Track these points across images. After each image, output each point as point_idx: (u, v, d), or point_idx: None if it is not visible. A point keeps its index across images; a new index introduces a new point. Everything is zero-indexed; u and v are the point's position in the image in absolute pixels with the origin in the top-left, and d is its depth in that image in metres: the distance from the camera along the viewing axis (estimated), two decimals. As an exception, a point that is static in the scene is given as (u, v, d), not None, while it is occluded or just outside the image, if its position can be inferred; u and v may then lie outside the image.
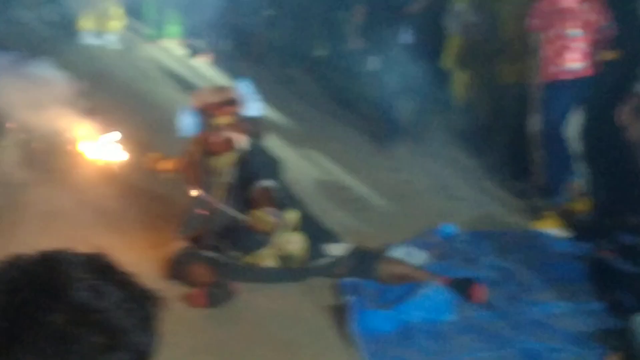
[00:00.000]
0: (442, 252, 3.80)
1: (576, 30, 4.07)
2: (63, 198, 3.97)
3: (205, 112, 3.47)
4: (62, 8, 7.03)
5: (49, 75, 3.59)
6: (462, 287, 3.35)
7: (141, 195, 4.23)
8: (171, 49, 7.19)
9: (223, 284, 3.33)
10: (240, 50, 7.08)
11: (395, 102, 5.30)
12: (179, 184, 3.82)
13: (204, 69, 6.77)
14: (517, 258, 3.65)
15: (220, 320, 3.23)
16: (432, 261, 3.70)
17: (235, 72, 4.12)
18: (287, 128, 5.69)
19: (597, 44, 4.09)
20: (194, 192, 3.57)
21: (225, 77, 6.15)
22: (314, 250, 3.51)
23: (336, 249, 3.54)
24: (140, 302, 0.82)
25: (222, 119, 3.44)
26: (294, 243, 3.49)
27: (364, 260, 3.49)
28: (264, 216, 3.28)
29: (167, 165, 3.75)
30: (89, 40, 6.90)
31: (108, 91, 5.32)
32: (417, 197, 4.68)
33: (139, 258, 3.34)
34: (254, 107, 3.60)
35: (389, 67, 5.07)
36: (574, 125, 4.33)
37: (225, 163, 3.53)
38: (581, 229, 3.95)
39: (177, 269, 3.45)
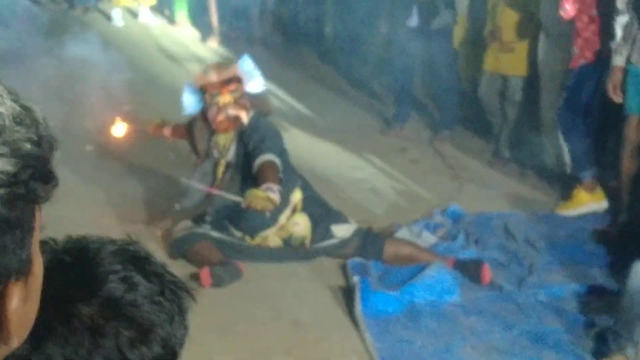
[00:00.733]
0: (449, 233, 3.80)
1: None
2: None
3: (208, 91, 3.47)
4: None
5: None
6: (469, 268, 3.36)
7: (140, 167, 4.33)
8: (182, 31, 7.32)
9: (229, 264, 3.35)
10: (248, 31, 7.09)
11: (405, 83, 5.26)
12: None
13: (214, 51, 6.80)
14: (524, 239, 3.64)
15: (227, 300, 3.26)
16: (438, 242, 3.70)
17: (241, 53, 4.12)
18: (293, 108, 5.69)
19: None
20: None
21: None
22: (321, 231, 3.52)
23: (343, 230, 3.55)
24: (172, 295, 0.80)
25: (225, 97, 3.43)
26: (299, 224, 3.50)
27: (370, 241, 3.49)
28: (260, 194, 3.23)
29: (167, 131, 3.82)
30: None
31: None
32: (424, 178, 4.66)
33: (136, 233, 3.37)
34: (256, 83, 3.58)
35: (400, 49, 5.04)
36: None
37: (229, 140, 3.54)
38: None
39: (181, 248, 3.48)
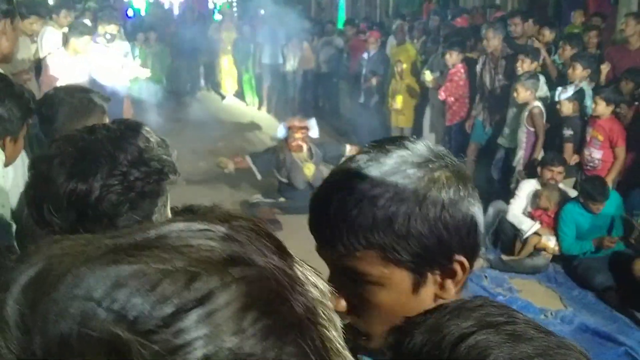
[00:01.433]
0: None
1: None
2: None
3: (291, 129, 6.44)
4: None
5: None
6: None
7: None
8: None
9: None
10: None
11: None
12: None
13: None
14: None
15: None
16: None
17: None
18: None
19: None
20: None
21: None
22: None
23: None
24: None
25: (298, 134, 6.40)
26: None
27: None
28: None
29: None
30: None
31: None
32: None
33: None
34: (314, 132, 6.63)
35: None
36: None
37: (297, 156, 6.48)
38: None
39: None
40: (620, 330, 4.34)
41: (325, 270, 0.83)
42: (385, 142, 0.91)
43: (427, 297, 0.91)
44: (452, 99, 7.01)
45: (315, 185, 6.21)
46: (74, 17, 8.09)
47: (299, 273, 0.49)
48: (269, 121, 10.42)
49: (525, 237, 5.40)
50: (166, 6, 18.42)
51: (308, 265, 0.53)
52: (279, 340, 0.43)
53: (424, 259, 0.88)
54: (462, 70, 6.94)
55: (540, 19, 7.82)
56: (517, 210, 5.48)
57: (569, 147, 5.65)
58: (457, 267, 0.90)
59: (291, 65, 10.60)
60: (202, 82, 13.42)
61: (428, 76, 7.16)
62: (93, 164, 1.15)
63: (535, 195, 5.40)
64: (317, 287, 0.51)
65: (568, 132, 5.67)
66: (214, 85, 13.13)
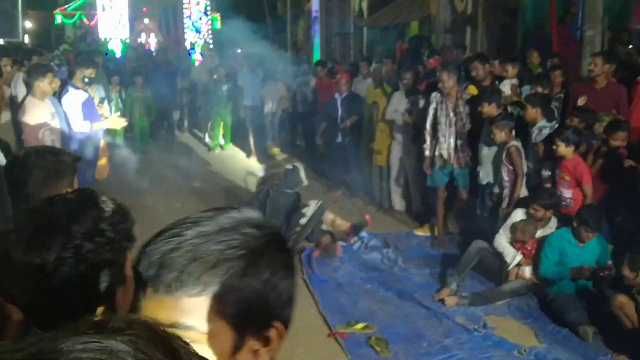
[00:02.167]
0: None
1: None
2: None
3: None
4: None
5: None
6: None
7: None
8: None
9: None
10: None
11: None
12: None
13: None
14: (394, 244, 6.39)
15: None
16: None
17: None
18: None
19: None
20: None
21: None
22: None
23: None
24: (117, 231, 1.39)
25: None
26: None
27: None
28: None
29: None
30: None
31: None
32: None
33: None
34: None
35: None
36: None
37: None
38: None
39: None
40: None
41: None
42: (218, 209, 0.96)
43: None
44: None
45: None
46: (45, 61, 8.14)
47: None
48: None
49: (509, 268, 5.57)
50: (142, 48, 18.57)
51: None
52: None
53: (249, 317, 0.90)
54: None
55: (506, 58, 8.07)
56: (504, 240, 5.67)
57: (547, 187, 5.82)
58: (274, 334, 0.93)
59: (270, 107, 10.73)
60: (186, 124, 13.33)
61: (407, 117, 7.31)
62: (48, 238, 1.20)
63: (513, 229, 5.58)
64: None
65: (546, 173, 5.85)
66: (197, 128, 13.11)
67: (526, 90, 7.07)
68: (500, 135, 5.99)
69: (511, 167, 5.98)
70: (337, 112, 8.46)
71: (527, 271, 5.53)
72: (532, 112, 6.07)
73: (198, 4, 20.90)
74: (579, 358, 4.53)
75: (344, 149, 8.42)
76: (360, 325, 4.94)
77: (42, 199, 1.31)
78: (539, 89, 6.56)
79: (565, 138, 5.50)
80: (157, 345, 0.53)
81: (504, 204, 6.04)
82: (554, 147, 5.54)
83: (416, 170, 7.28)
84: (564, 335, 4.88)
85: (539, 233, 5.59)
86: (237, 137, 11.80)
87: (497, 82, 7.55)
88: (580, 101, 6.31)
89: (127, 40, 20.22)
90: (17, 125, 5.95)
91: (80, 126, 6.68)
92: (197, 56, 16.51)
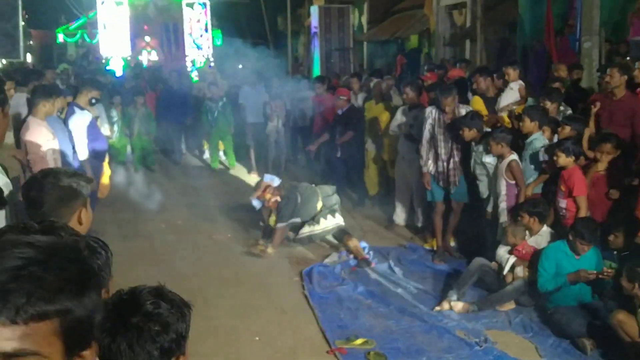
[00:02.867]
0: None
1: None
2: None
3: (260, 197, 7.03)
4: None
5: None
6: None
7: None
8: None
9: None
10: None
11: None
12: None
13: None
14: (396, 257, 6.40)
15: (236, 298, 5.71)
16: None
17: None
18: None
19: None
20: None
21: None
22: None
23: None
24: (178, 308, 1.70)
25: (267, 196, 6.95)
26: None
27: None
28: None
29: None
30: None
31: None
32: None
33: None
34: (275, 182, 7.11)
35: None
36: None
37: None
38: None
39: None
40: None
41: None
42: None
43: None
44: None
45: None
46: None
47: None
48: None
49: (504, 272, 5.65)
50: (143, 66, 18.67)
51: None
52: None
53: (80, 337, 0.93)
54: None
55: (506, 62, 8.12)
56: (503, 251, 5.76)
57: (535, 196, 5.94)
58: (88, 353, 0.95)
59: (274, 124, 10.72)
60: (184, 146, 12.98)
61: (405, 131, 7.35)
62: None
63: (504, 234, 5.72)
64: None
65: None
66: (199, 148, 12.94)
67: (530, 102, 7.12)
68: (497, 148, 6.01)
69: (512, 181, 6.00)
70: (336, 127, 8.50)
71: (520, 271, 5.59)
72: (530, 125, 6.10)
73: (199, 21, 21.05)
74: (579, 371, 4.51)
75: (343, 164, 8.45)
76: (359, 341, 4.93)
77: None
78: (547, 103, 6.58)
79: (566, 149, 5.52)
80: None
81: (502, 218, 6.06)
82: (555, 158, 5.56)
83: (420, 184, 7.27)
84: (563, 349, 4.86)
85: (532, 242, 5.62)
86: (238, 154, 11.78)
87: (501, 94, 7.62)
88: (595, 110, 6.31)
89: (129, 58, 20.35)
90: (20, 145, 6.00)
91: (84, 148, 6.76)
92: (194, 73, 16.59)
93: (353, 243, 6.84)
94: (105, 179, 7.74)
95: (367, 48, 19.67)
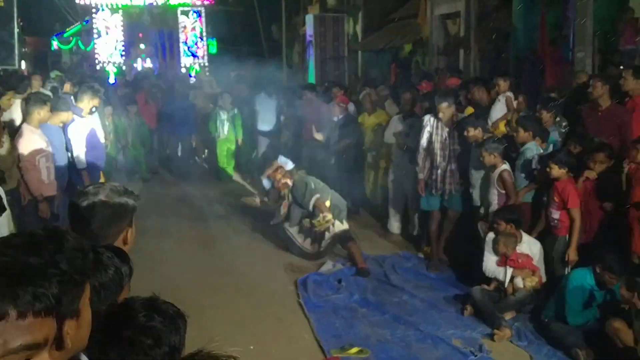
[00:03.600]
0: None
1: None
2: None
3: (271, 176, 7.14)
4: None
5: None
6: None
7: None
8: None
9: None
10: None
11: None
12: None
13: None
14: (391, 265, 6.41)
15: (235, 306, 5.69)
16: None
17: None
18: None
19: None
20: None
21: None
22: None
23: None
24: (171, 320, 1.64)
25: (278, 176, 7.05)
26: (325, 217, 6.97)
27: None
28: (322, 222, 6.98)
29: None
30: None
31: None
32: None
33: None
34: (288, 165, 7.25)
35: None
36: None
37: (287, 193, 7.16)
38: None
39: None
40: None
41: None
42: None
43: None
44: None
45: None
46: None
47: None
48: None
49: (506, 285, 5.63)
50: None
51: None
52: None
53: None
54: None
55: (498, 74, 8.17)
56: (491, 264, 5.73)
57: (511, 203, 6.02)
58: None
59: (287, 135, 10.53)
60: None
61: (400, 140, 7.39)
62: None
63: (495, 245, 5.68)
64: None
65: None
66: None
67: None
68: (489, 158, 6.03)
69: (503, 191, 6.02)
70: (331, 134, 8.51)
71: (519, 282, 5.57)
72: (524, 135, 6.13)
73: (194, 29, 21.08)
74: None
75: (337, 171, 8.42)
76: (354, 350, 4.92)
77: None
78: (543, 112, 6.59)
79: (559, 160, 5.55)
80: None
81: (484, 226, 6.11)
82: (548, 169, 5.58)
83: (414, 192, 7.29)
84: (558, 358, 4.86)
85: (525, 250, 5.64)
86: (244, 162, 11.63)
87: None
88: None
89: (123, 66, 20.34)
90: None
91: (82, 156, 6.76)
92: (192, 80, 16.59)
93: (356, 249, 6.83)
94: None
95: (361, 57, 19.72)
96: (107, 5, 20.31)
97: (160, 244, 7.59)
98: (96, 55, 20.71)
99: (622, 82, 6.49)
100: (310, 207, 6.93)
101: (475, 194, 6.45)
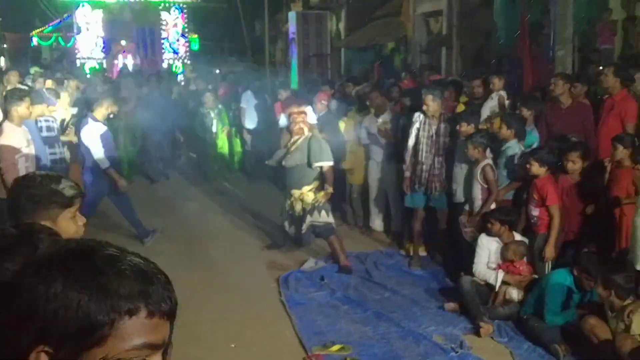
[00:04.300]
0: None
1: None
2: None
3: (292, 114, 6.75)
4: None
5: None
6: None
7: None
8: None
9: None
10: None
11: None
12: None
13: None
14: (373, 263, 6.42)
15: (219, 301, 5.66)
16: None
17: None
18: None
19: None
20: None
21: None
22: (317, 210, 6.69)
23: (325, 218, 6.71)
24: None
25: (298, 118, 6.65)
26: (310, 196, 6.66)
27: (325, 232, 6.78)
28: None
29: None
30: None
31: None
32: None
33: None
34: (312, 118, 7.14)
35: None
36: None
37: (296, 139, 6.74)
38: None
39: None
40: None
41: None
42: None
43: None
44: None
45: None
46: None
47: None
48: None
49: (496, 289, 5.63)
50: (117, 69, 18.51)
51: None
52: None
53: None
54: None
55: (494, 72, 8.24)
56: (482, 267, 5.75)
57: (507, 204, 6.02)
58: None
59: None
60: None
61: (382, 124, 7.35)
62: None
63: (504, 250, 5.65)
64: None
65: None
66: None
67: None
68: (473, 152, 6.05)
69: (485, 186, 6.05)
70: None
71: (515, 293, 5.56)
72: (506, 133, 6.17)
73: (175, 25, 20.94)
74: (553, 376, 4.55)
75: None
76: (336, 347, 4.92)
77: None
78: (524, 110, 6.64)
79: (539, 158, 5.58)
80: None
81: (463, 219, 6.15)
82: (528, 166, 5.62)
83: (396, 189, 7.30)
84: (538, 354, 4.90)
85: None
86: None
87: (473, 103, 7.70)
88: None
89: (104, 63, 20.16)
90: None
91: (102, 158, 6.95)
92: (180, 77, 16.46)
93: (339, 244, 6.73)
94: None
95: (345, 54, 19.74)
96: (87, 1, 20.10)
97: (139, 243, 7.54)
98: (76, 52, 20.49)
99: (602, 79, 6.58)
100: (316, 166, 6.58)
101: (459, 190, 6.46)
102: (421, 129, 6.65)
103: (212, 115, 10.85)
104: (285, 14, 20.89)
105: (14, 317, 0.93)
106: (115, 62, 20.59)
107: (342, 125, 8.12)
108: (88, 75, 16.41)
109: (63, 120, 7.77)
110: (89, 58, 20.24)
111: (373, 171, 7.80)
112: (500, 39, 11.67)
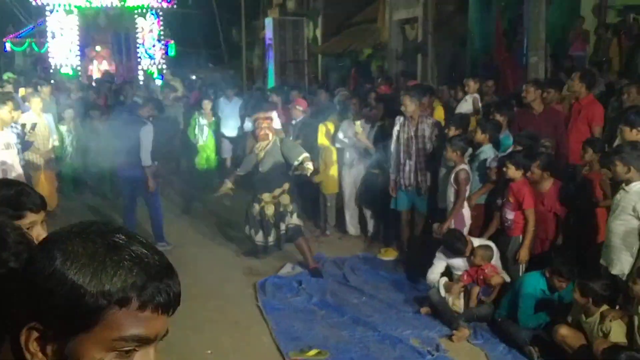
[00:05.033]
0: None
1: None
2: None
3: (258, 119, 6.72)
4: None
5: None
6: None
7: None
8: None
9: None
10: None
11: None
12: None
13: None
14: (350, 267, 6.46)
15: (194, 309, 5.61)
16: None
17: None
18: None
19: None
20: None
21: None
22: (289, 214, 6.75)
23: (297, 221, 6.78)
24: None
25: (264, 123, 6.63)
26: (284, 199, 6.71)
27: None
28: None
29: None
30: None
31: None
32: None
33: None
34: (276, 123, 7.08)
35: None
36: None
37: (263, 145, 6.72)
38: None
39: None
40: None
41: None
42: None
43: None
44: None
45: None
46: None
47: None
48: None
49: (447, 299, 5.68)
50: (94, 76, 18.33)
51: None
52: None
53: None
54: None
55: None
56: (434, 276, 5.88)
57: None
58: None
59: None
60: None
61: (358, 127, 7.37)
62: None
63: (473, 256, 5.67)
64: None
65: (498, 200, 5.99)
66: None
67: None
68: (452, 155, 6.09)
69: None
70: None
71: (458, 303, 5.63)
72: (480, 137, 6.24)
73: (151, 31, 20.80)
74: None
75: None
76: (313, 352, 4.92)
77: None
78: (497, 115, 6.71)
79: (515, 162, 5.63)
80: None
81: (435, 225, 6.21)
82: (504, 168, 5.67)
83: (370, 194, 7.34)
84: (513, 356, 4.95)
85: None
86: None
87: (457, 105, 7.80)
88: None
89: (78, 68, 19.94)
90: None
91: (148, 155, 7.25)
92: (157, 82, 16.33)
93: (307, 246, 6.72)
94: (47, 190, 7.55)
95: (321, 61, 19.80)
96: (61, 6, 19.87)
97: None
98: (50, 58, 20.24)
99: (569, 84, 6.72)
100: (298, 160, 6.54)
101: (440, 194, 6.51)
102: (401, 130, 6.74)
103: (205, 123, 10.24)
104: (262, 20, 20.89)
105: (21, 289, 0.96)
106: (90, 67, 20.38)
107: (322, 129, 8.09)
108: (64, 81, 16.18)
109: (34, 124, 7.65)
110: (63, 65, 19.99)
111: (347, 176, 7.82)
112: (475, 45, 11.81)
